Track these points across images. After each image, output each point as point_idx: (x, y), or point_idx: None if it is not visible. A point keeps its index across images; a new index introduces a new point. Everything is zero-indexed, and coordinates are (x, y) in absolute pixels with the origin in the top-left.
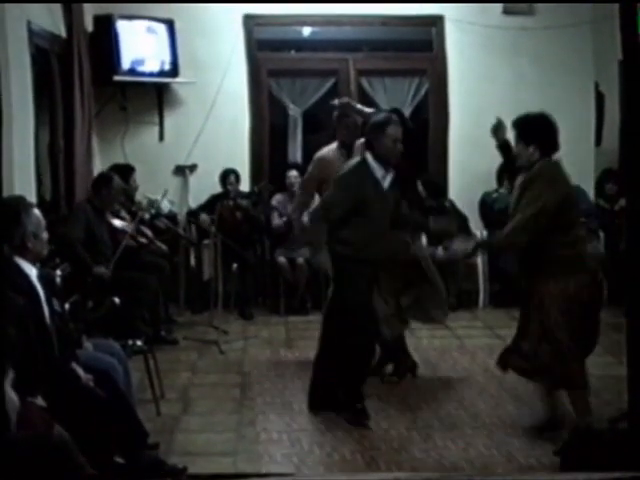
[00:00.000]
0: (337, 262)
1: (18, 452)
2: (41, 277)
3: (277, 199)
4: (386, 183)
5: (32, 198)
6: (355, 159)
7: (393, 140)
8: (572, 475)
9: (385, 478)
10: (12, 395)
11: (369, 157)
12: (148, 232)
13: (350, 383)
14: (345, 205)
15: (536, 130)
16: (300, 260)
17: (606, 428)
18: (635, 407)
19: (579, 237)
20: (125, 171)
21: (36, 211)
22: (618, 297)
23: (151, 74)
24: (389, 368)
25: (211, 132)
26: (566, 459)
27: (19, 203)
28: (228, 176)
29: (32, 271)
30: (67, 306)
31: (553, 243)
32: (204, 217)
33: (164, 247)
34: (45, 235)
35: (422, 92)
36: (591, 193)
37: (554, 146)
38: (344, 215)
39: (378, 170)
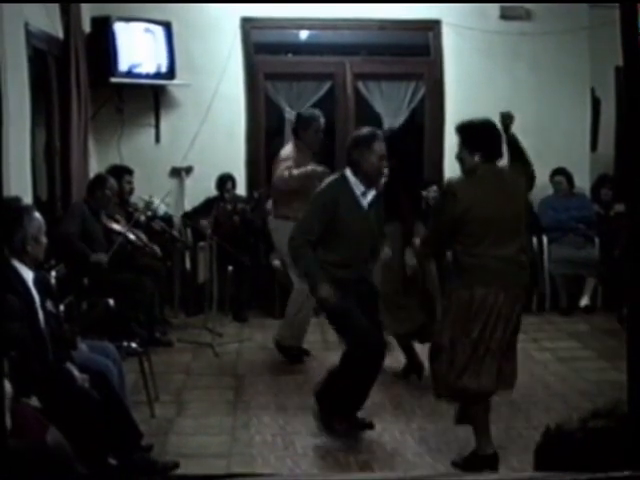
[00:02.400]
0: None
1: (15, 460)
2: (36, 279)
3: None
4: (366, 201)
5: (28, 199)
6: (333, 175)
7: (379, 157)
8: (563, 474)
9: (375, 478)
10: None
11: (349, 173)
12: (142, 235)
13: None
14: (322, 222)
15: (480, 138)
16: None
17: (576, 428)
18: (634, 411)
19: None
20: (119, 172)
21: (37, 215)
22: (612, 303)
23: (148, 76)
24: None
25: (207, 135)
26: (539, 461)
27: (22, 206)
28: (226, 182)
29: (29, 275)
30: (62, 307)
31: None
32: (204, 223)
33: (158, 250)
34: (44, 239)
35: (418, 96)
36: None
37: (498, 154)
38: (323, 234)
39: (358, 187)
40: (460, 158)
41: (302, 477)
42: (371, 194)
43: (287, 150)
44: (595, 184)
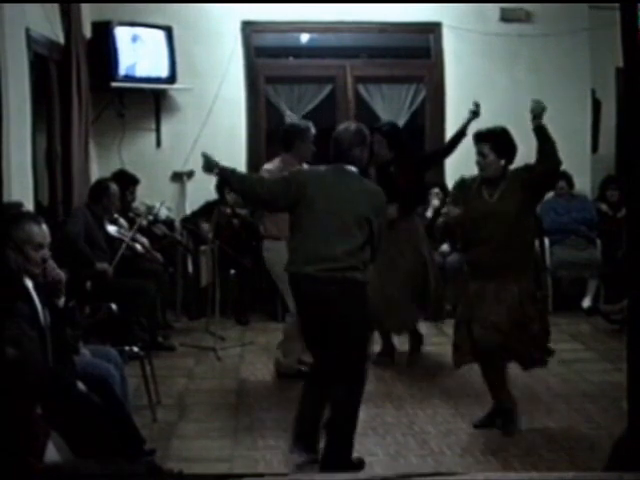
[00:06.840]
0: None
1: None
2: (37, 284)
3: None
4: None
5: (29, 204)
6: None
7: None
8: (560, 474)
9: (375, 477)
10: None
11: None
12: (144, 241)
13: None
14: (289, 193)
15: (508, 145)
16: None
17: None
18: (635, 415)
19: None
20: (125, 181)
21: (28, 227)
22: (614, 304)
23: (149, 80)
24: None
25: (208, 138)
26: (614, 455)
27: (12, 215)
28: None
29: (28, 282)
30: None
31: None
32: (205, 227)
33: (159, 257)
34: (37, 253)
35: (419, 99)
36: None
37: (513, 159)
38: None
39: None
40: (484, 163)
41: (302, 477)
42: None
43: (273, 165)
44: (601, 185)
